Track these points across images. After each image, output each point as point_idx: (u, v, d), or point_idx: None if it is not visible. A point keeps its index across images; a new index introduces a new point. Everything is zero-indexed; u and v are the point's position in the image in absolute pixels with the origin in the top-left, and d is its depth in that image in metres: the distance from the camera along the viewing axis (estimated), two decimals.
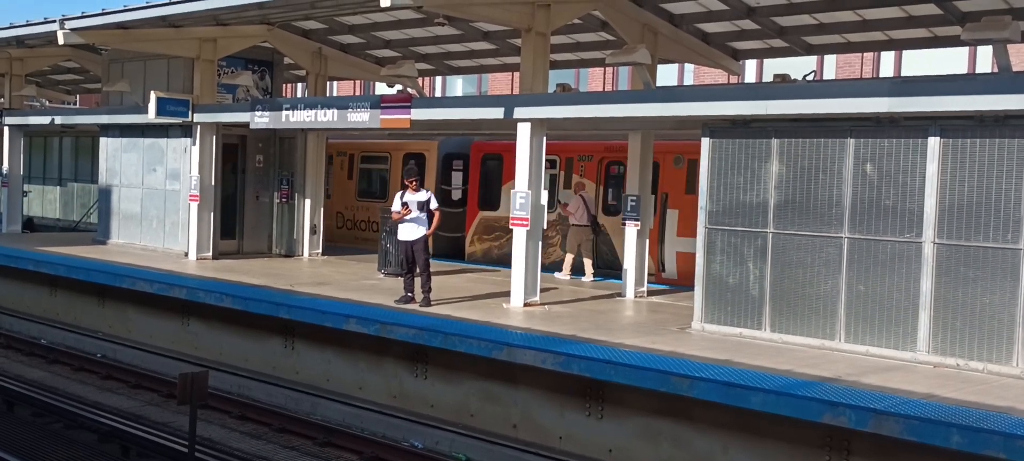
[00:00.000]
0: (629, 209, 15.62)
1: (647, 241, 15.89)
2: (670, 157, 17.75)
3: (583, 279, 17.66)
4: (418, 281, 14.31)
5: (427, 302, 14.10)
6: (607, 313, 14.08)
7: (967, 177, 10.51)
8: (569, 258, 17.97)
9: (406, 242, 14.41)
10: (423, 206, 14.31)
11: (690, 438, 10.32)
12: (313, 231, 20.44)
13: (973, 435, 8.09)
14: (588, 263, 17.93)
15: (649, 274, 17.48)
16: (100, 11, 17.54)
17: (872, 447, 8.98)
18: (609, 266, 18.29)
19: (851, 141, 11.27)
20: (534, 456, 10.87)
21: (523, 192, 14.07)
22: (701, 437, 10.24)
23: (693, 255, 14.38)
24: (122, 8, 17.32)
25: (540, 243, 14.41)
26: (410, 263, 14.42)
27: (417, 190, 14.43)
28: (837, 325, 11.40)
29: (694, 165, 16.00)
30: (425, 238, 14.36)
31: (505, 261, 19.80)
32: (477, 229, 21.19)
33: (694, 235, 14.09)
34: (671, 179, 17.76)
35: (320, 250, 20.57)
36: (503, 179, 20.47)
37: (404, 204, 14.32)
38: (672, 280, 17.68)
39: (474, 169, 21.44)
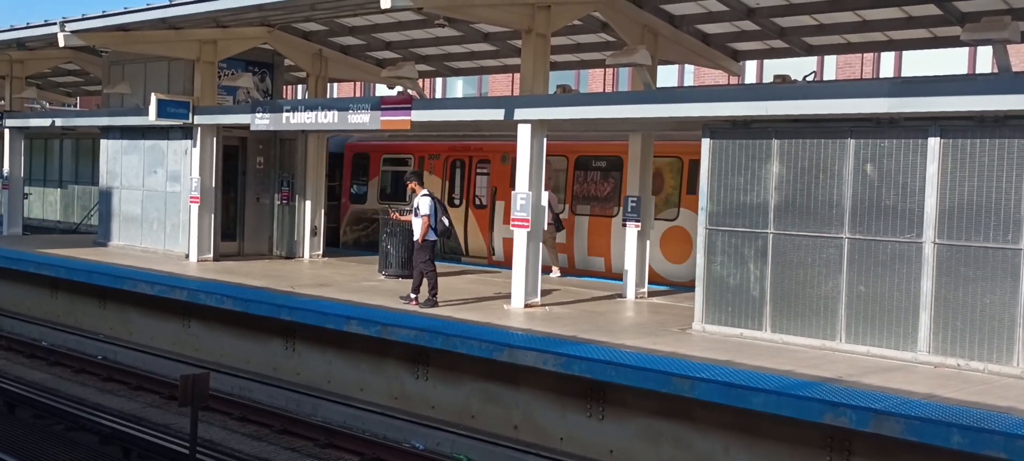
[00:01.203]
0: (629, 210, 15.62)
1: (647, 242, 15.91)
2: (498, 155, 19.75)
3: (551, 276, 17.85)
4: (426, 283, 14.36)
5: (432, 303, 14.12)
6: (608, 314, 14.08)
7: (967, 177, 10.52)
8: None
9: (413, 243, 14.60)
10: (416, 211, 14.35)
11: (691, 439, 10.33)
12: (314, 233, 20.47)
13: (974, 435, 8.10)
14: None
15: (482, 256, 20.46)
16: (100, 13, 17.54)
17: (873, 447, 8.99)
18: (460, 252, 20.40)
19: (851, 142, 11.28)
20: (535, 457, 10.87)
21: (523, 193, 14.08)
22: (702, 438, 10.25)
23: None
24: (122, 10, 17.31)
25: (540, 244, 14.42)
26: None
27: (417, 194, 14.49)
28: (838, 325, 11.41)
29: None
30: (419, 241, 14.36)
31: (372, 248, 21.24)
32: (349, 220, 23.37)
33: None
34: (499, 175, 20.01)
35: (321, 252, 20.59)
36: (370, 176, 22.75)
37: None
38: (500, 262, 19.62)
39: (347, 167, 23.37)
